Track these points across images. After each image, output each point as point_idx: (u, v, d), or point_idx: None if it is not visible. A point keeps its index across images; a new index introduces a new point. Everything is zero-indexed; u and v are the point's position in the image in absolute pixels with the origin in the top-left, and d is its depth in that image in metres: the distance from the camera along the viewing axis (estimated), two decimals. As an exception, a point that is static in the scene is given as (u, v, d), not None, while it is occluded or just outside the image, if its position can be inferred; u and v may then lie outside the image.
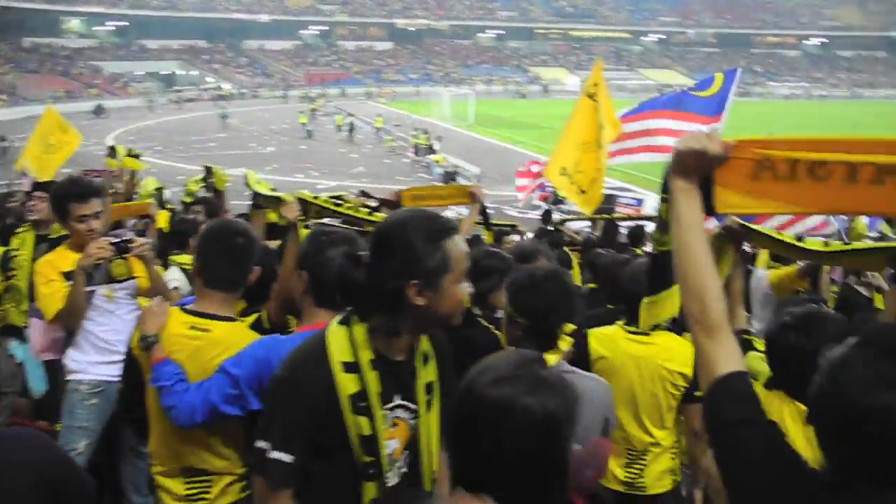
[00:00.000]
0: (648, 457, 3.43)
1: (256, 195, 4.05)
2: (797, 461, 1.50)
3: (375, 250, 1.96)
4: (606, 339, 3.47)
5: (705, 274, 1.73)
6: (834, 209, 2.08)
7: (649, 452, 3.43)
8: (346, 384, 1.95)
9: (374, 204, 5.23)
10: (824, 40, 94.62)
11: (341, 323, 2.02)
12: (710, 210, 1.79)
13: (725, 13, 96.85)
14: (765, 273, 5.12)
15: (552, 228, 9.56)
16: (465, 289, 1.99)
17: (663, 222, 2.71)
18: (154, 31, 74.78)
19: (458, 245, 1.94)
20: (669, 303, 3.14)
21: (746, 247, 5.03)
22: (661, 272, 2.96)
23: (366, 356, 1.97)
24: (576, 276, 6.89)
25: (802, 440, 2.16)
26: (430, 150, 30.62)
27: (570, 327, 2.67)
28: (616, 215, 12.06)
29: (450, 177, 26.68)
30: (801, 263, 4.76)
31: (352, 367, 1.96)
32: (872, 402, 1.33)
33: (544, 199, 18.71)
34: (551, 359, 2.54)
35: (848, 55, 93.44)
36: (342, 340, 1.99)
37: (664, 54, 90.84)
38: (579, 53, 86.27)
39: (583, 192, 7.69)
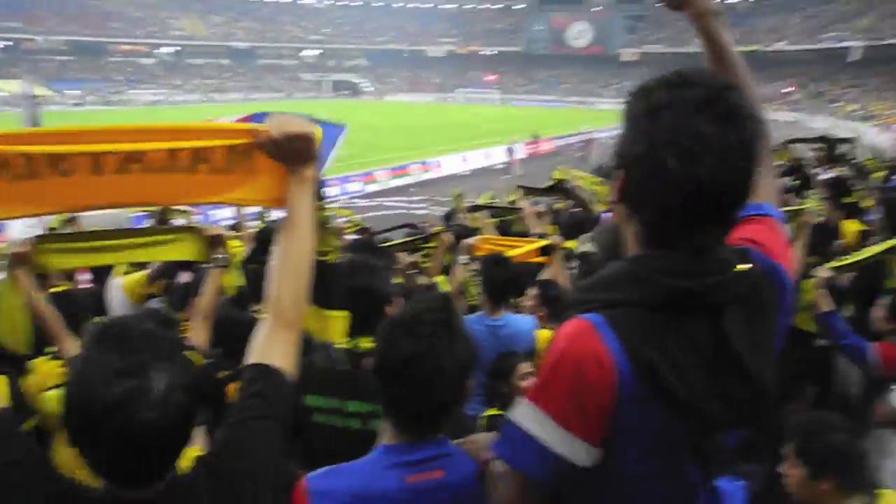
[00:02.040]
0: None
1: None
2: (72, 487, 1.42)
3: None
4: None
5: None
6: (88, 204, 1.76)
7: None
8: None
9: None
10: (178, 48, 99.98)
11: None
12: None
13: (74, 21, 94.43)
14: (120, 281, 4.95)
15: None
16: None
17: None
18: None
19: None
20: None
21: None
22: None
23: None
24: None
25: None
26: None
27: None
28: None
29: None
30: (151, 269, 4.72)
31: None
32: (110, 391, 1.28)
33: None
34: None
35: (199, 63, 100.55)
36: None
37: (13, 64, 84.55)
38: None
39: None
